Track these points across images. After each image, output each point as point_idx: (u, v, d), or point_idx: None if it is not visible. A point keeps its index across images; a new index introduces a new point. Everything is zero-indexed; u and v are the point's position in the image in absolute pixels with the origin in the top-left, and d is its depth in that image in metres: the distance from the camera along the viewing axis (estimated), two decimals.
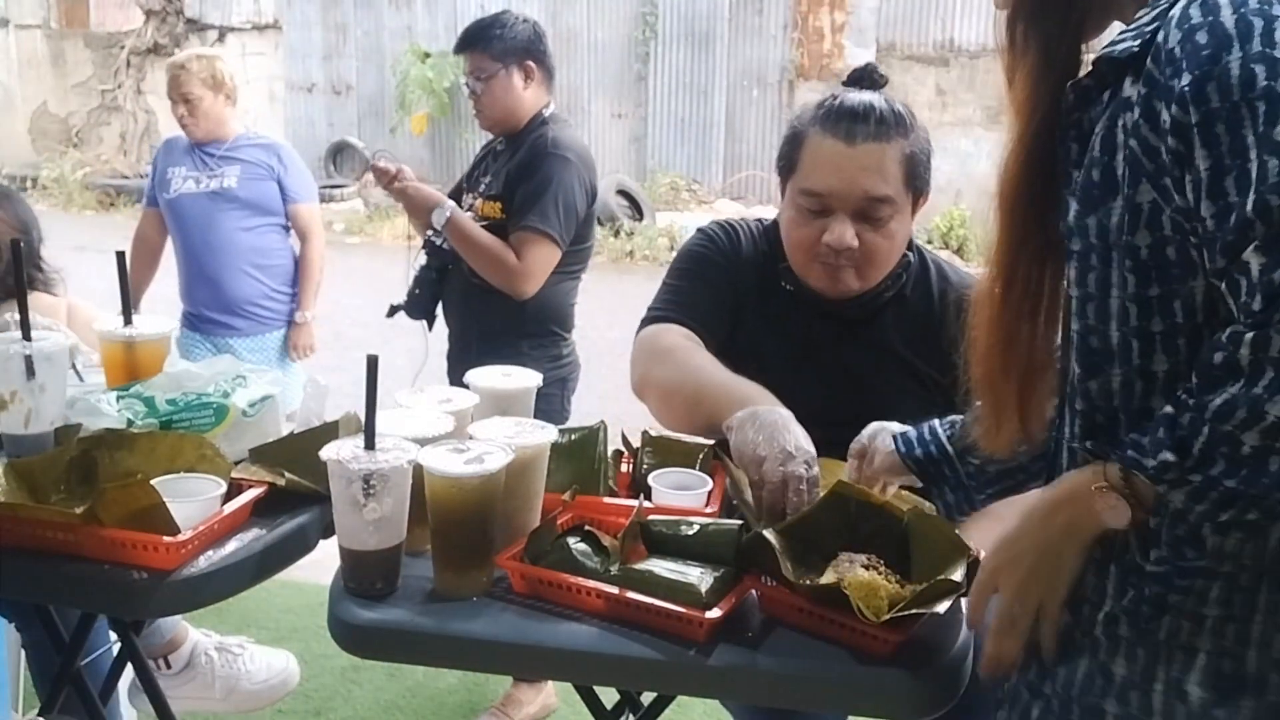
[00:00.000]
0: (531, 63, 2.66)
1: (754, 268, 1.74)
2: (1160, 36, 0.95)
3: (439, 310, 2.81)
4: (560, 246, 2.59)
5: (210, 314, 3.38)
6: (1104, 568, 1.02)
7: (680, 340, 1.67)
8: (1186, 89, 0.91)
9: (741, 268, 1.73)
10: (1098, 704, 1.02)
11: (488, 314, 2.66)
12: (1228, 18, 0.90)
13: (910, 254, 1.72)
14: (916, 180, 1.62)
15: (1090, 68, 1.04)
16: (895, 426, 1.49)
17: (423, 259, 2.74)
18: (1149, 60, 0.96)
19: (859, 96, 1.61)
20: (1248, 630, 0.96)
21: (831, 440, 1.50)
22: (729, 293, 1.72)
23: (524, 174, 2.61)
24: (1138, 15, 1.00)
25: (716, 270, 1.73)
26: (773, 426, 1.41)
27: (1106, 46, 1.00)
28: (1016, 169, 1.07)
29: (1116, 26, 1.06)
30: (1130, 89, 0.97)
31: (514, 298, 2.60)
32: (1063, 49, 1.04)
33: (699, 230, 1.81)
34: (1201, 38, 0.91)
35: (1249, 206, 0.87)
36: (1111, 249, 0.99)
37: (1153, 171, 0.95)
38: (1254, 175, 0.87)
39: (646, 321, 1.74)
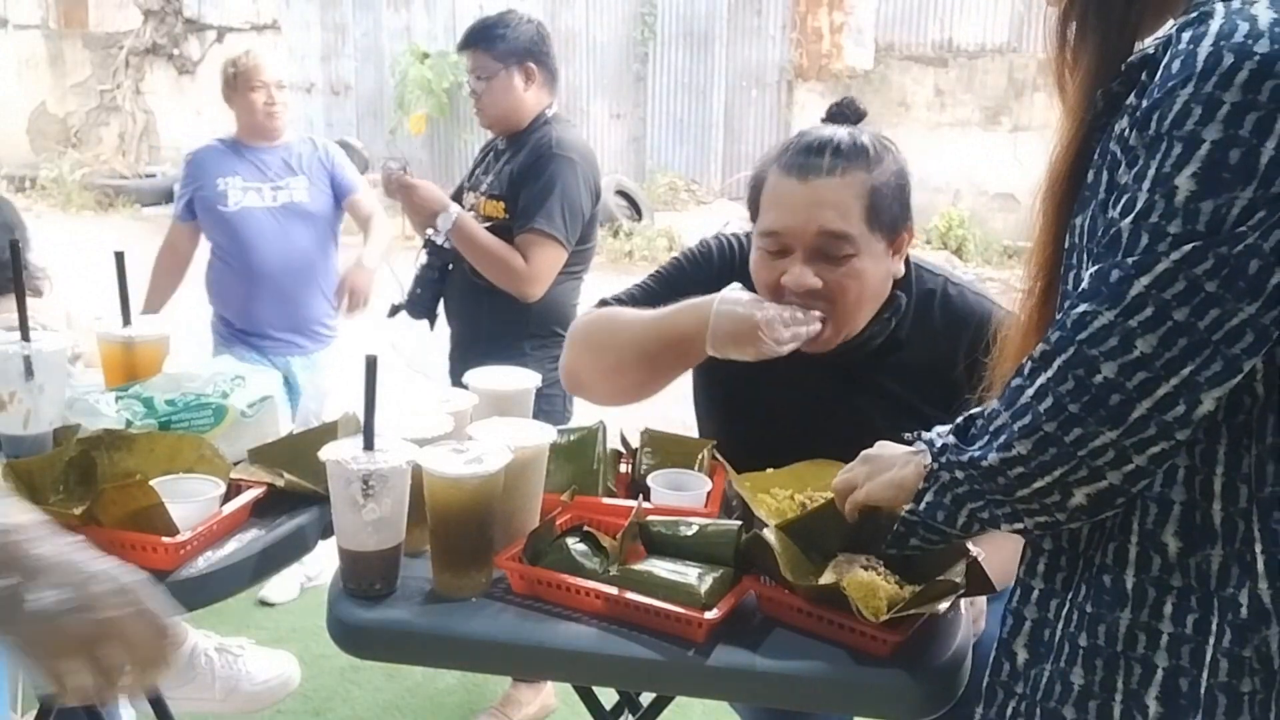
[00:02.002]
0: (533, 64, 2.64)
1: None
2: (1162, 49, 0.95)
3: (440, 309, 2.81)
4: (566, 248, 2.59)
5: (276, 334, 3.20)
6: (1068, 569, 1.05)
7: (613, 311, 1.63)
8: (1139, 113, 0.93)
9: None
10: (1058, 709, 1.03)
11: (490, 314, 2.65)
12: (1204, 49, 0.90)
13: (900, 294, 1.59)
14: (883, 216, 1.50)
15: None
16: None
17: (424, 258, 2.74)
18: (1145, 72, 0.96)
19: (821, 131, 1.53)
20: (1202, 652, 0.96)
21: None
22: None
23: (528, 175, 2.60)
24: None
25: (704, 287, 1.60)
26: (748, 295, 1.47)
27: (1137, 52, 1.00)
28: (1062, 170, 1.06)
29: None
30: (1131, 96, 0.97)
31: (519, 300, 2.60)
32: (1119, 49, 1.03)
33: (702, 241, 1.73)
34: (1175, 65, 0.91)
35: (1124, 232, 0.91)
36: (1084, 251, 1.00)
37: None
38: (1138, 206, 0.91)
39: (599, 304, 1.69)
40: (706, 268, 1.67)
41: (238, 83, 3.15)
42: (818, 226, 1.48)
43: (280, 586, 3.18)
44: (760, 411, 1.62)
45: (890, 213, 1.51)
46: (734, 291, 1.50)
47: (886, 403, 1.59)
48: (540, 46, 2.67)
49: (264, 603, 3.17)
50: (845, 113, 1.58)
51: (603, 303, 1.69)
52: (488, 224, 2.61)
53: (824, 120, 1.59)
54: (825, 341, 1.52)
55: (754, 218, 1.59)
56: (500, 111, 2.68)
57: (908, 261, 1.61)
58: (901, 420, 1.53)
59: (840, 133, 1.52)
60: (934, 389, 1.56)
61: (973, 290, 1.67)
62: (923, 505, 1.09)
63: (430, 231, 2.66)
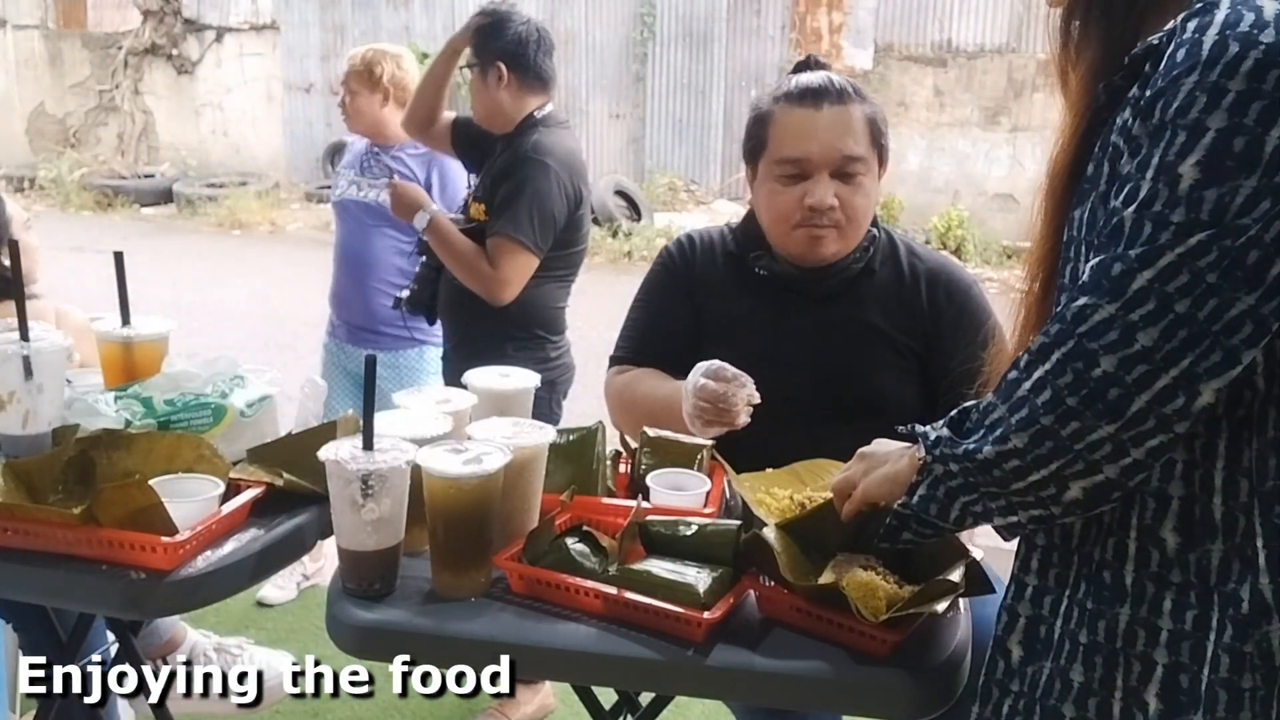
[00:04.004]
0: (504, 66, 2.62)
1: (720, 267, 1.80)
2: (1166, 40, 0.95)
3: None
4: (535, 253, 2.56)
5: (356, 325, 3.25)
6: (1064, 562, 1.05)
7: (629, 379, 1.80)
8: (1143, 102, 0.93)
9: (701, 275, 1.80)
10: (1057, 707, 1.03)
11: (472, 316, 2.64)
12: (1210, 38, 0.90)
13: (875, 230, 1.76)
14: (880, 141, 1.70)
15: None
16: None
17: (421, 257, 2.74)
18: (1148, 63, 0.96)
19: (812, 75, 1.71)
20: (1203, 648, 0.96)
21: (821, 428, 1.58)
22: (687, 307, 1.79)
23: (502, 178, 2.59)
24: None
25: (672, 291, 1.82)
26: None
27: (1140, 45, 1.00)
28: (1063, 165, 1.06)
29: None
30: (1135, 88, 0.97)
31: (490, 304, 2.58)
32: (1122, 44, 1.03)
33: (662, 251, 1.89)
34: (1180, 54, 0.91)
35: (1126, 221, 0.91)
36: (1081, 243, 1.00)
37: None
38: (1141, 194, 0.91)
39: (611, 362, 1.86)
40: (675, 271, 1.83)
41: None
42: (838, 150, 1.65)
43: (277, 587, 3.18)
44: (738, 343, 1.70)
45: (882, 138, 1.71)
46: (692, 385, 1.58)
47: (859, 330, 1.72)
48: (520, 50, 2.63)
49: (261, 604, 3.17)
50: (812, 66, 1.76)
51: (614, 360, 1.85)
52: (474, 225, 2.60)
53: (794, 71, 1.76)
54: (835, 253, 1.70)
55: (754, 156, 1.74)
56: (480, 107, 2.69)
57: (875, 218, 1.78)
58: (872, 345, 1.72)
59: (829, 75, 1.71)
60: (900, 315, 1.72)
61: (934, 249, 1.87)
62: (915, 499, 1.09)
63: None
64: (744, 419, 1.53)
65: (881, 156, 1.72)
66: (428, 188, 3.20)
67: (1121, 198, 0.93)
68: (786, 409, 1.59)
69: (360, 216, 3.22)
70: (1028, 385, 0.96)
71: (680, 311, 1.80)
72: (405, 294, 2.80)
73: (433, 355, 3.23)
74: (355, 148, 3.34)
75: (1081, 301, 0.93)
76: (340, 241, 3.29)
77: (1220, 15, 0.91)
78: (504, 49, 2.63)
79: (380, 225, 3.19)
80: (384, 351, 3.21)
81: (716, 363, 1.56)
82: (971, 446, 1.01)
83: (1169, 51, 0.93)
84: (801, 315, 1.73)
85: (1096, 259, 0.94)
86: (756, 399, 1.53)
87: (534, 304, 2.65)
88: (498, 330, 2.62)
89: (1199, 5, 0.93)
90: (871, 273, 1.74)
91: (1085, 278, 0.94)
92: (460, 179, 3.19)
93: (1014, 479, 0.98)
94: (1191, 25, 0.92)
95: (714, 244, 1.84)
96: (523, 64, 2.64)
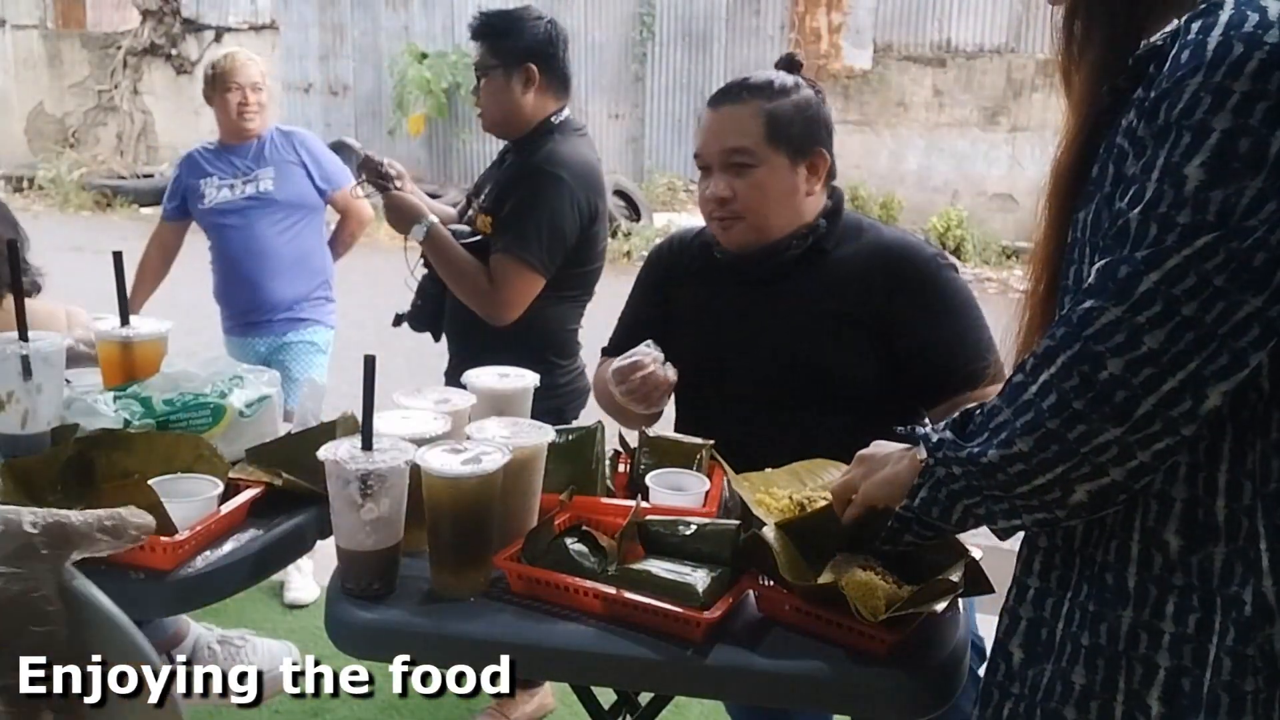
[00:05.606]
0: (534, 66, 2.45)
1: (690, 260, 1.91)
2: (1170, 42, 0.94)
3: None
4: (541, 273, 2.38)
5: (251, 318, 3.33)
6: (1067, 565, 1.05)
7: (602, 369, 1.90)
8: (1147, 104, 0.93)
9: (673, 269, 1.93)
10: (1058, 710, 1.02)
11: (476, 337, 2.49)
12: (1214, 39, 0.89)
13: (823, 221, 1.79)
14: (780, 134, 1.73)
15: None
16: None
17: (424, 269, 2.58)
18: (1152, 64, 0.96)
19: (746, 74, 1.82)
20: (1205, 651, 0.95)
21: (785, 408, 1.73)
22: (659, 304, 1.93)
23: (512, 190, 2.43)
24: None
25: (649, 288, 1.96)
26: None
27: (1144, 46, 1.00)
28: (1067, 166, 1.06)
29: None
30: (1139, 89, 0.97)
31: (491, 325, 2.43)
32: (1125, 44, 1.02)
33: (653, 249, 2.02)
34: (1184, 55, 0.91)
35: (1132, 223, 0.91)
36: (1086, 245, 1.00)
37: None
38: (1147, 196, 0.91)
39: (601, 355, 1.99)
40: (654, 268, 1.96)
41: (216, 84, 3.27)
42: (721, 145, 1.76)
43: (304, 586, 3.19)
44: (704, 331, 1.84)
45: (789, 132, 1.74)
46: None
47: (808, 308, 1.77)
48: (547, 48, 2.47)
49: (294, 605, 3.17)
50: (784, 64, 1.85)
51: (603, 353, 1.97)
52: (475, 239, 2.46)
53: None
54: (750, 241, 1.78)
55: None
56: (497, 113, 2.50)
57: (840, 203, 1.83)
58: (826, 322, 1.76)
59: (761, 73, 1.79)
60: (857, 297, 1.75)
61: (902, 229, 1.94)
62: (917, 501, 1.09)
63: None
64: (667, 376, 1.70)
65: (793, 146, 1.73)
66: (302, 166, 3.34)
67: (1127, 199, 0.93)
68: (752, 391, 1.75)
69: (246, 213, 3.28)
70: (1033, 389, 0.96)
71: (653, 309, 1.93)
72: (407, 309, 2.65)
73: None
74: (200, 159, 3.34)
75: (1087, 304, 0.93)
76: (225, 244, 3.32)
77: (1224, 16, 0.90)
78: (531, 48, 2.45)
79: (268, 215, 3.29)
80: (289, 337, 3.35)
81: (615, 368, 1.70)
82: (975, 450, 1.01)
83: (1173, 52, 0.92)
84: (758, 301, 1.80)
85: (1102, 261, 0.93)
86: (656, 355, 1.71)
87: (544, 326, 2.47)
88: (503, 353, 2.24)
89: (1203, 6, 0.93)
90: (823, 253, 1.78)
91: (1091, 280, 0.94)
92: (327, 152, 3.40)
93: (1019, 483, 0.98)
94: (1195, 26, 0.92)
95: (687, 239, 1.94)
96: (552, 64, 2.48)
